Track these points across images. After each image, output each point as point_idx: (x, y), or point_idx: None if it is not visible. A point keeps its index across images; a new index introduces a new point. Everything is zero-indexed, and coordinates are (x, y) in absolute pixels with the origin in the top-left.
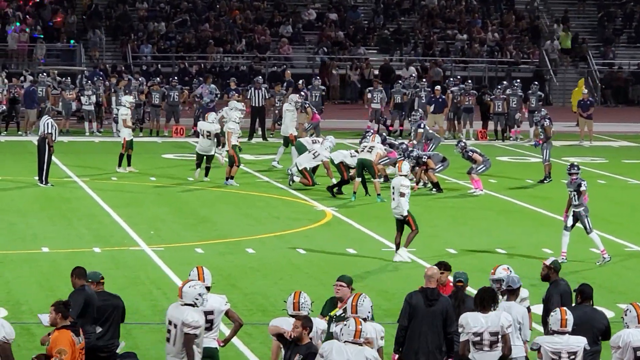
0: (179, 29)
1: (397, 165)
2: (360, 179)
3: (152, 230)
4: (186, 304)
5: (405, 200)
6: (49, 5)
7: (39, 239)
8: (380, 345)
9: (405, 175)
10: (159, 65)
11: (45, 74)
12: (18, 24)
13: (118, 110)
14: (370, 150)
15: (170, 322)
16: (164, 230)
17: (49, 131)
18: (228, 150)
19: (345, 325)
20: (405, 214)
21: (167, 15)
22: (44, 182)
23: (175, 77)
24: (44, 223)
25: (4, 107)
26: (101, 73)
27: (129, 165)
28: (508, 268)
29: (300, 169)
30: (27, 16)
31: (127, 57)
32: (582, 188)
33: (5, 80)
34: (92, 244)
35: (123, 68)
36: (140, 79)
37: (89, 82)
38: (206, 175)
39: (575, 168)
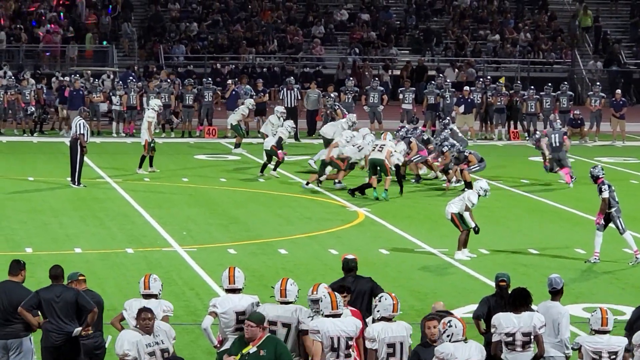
0: (211, 29)
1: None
2: (390, 178)
3: (184, 231)
4: (288, 302)
5: (467, 213)
6: (81, 5)
7: (71, 240)
8: None
9: (479, 196)
10: (191, 66)
11: (77, 74)
12: (49, 21)
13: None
14: (380, 149)
15: (283, 325)
16: (196, 230)
17: (81, 132)
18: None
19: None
20: (449, 217)
21: (199, 16)
22: (76, 183)
23: (209, 78)
24: (77, 224)
25: (33, 109)
26: (133, 74)
27: (150, 166)
28: (328, 287)
29: (340, 157)
30: (60, 16)
31: (159, 57)
32: (604, 195)
33: (32, 81)
34: (125, 245)
35: (155, 69)
36: (176, 80)
37: (120, 82)
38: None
39: (591, 177)
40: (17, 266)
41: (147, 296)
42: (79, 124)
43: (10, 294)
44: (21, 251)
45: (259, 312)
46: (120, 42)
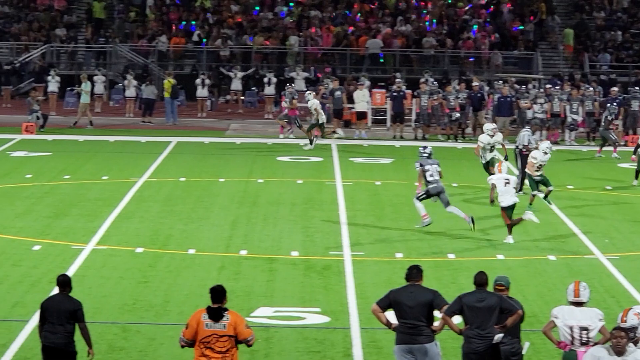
0: (636, 38)
1: None
2: None
3: (606, 239)
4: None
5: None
6: (507, 13)
7: (494, 246)
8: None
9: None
10: (614, 75)
11: (501, 81)
12: (475, 27)
13: (573, 120)
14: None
15: None
16: (619, 238)
17: (525, 143)
18: None
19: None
20: None
21: (624, 25)
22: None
23: (636, 87)
24: (499, 230)
25: (458, 114)
26: (558, 81)
27: None
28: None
29: None
30: (486, 23)
31: (584, 65)
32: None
33: (457, 87)
34: (547, 252)
35: (580, 76)
36: (598, 88)
37: (541, 89)
38: None
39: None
40: (419, 272)
41: (576, 304)
42: (523, 135)
43: (416, 295)
44: (443, 257)
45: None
46: (553, 43)
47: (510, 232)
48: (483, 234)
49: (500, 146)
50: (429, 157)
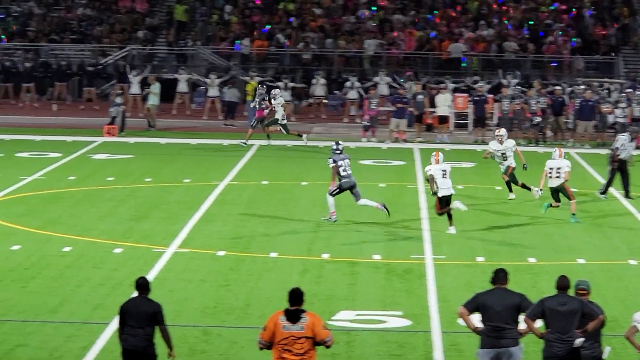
0: None
1: None
2: None
3: None
4: None
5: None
6: (589, 18)
7: (574, 251)
8: None
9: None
10: None
11: (582, 85)
12: (560, 33)
13: None
14: (558, 174)
15: None
16: None
17: (616, 146)
18: None
19: None
20: None
21: None
22: (602, 193)
23: None
24: (580, 234)
25: (539, 119)
26: (638, 85)
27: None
28: None
29: None
30: (568, 28)
31: None
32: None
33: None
34: (628, 257)
35: None
36: None
37: (622, 93)
38: None
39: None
40: (505, 275)
41: None
42: (617, 139)
43: (504, 299)
44: (524, 261)
45: None
46: (636, 45)
47: (451, 223)
48: (563, 238)
49: (512, 153)
50: (341, 153)
